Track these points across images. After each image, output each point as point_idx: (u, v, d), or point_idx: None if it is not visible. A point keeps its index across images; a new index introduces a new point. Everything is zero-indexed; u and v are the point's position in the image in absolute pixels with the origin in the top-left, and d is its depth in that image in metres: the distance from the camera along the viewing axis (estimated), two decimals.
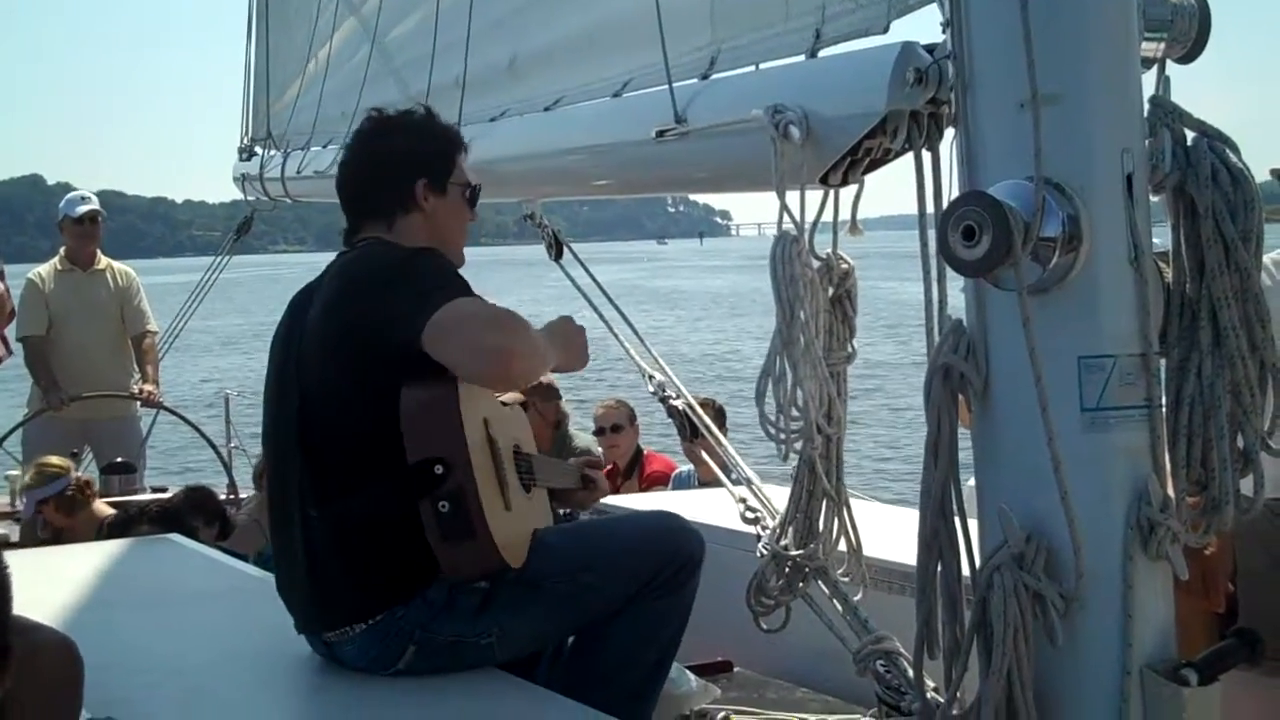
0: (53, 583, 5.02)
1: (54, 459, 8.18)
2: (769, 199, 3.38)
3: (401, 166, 4.14)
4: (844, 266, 3.65)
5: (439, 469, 3.67)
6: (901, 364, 31.77)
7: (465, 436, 3.69)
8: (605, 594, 4.01)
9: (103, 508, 7.94)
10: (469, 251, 4.31)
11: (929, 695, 3.12)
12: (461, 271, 4.02)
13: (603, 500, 5.64)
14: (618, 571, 4.02)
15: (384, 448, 3.71)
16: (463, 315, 3.70)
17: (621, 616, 4.01)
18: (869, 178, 3.45)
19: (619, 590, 4.00)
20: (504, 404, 4.22)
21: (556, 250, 6.10)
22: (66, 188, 11.05)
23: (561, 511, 4.61)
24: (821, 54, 3.73)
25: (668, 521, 4.22)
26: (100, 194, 10.77)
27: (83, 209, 10.34)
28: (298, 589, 3.99)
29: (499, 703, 3.82)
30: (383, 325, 3.74)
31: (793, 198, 3.36)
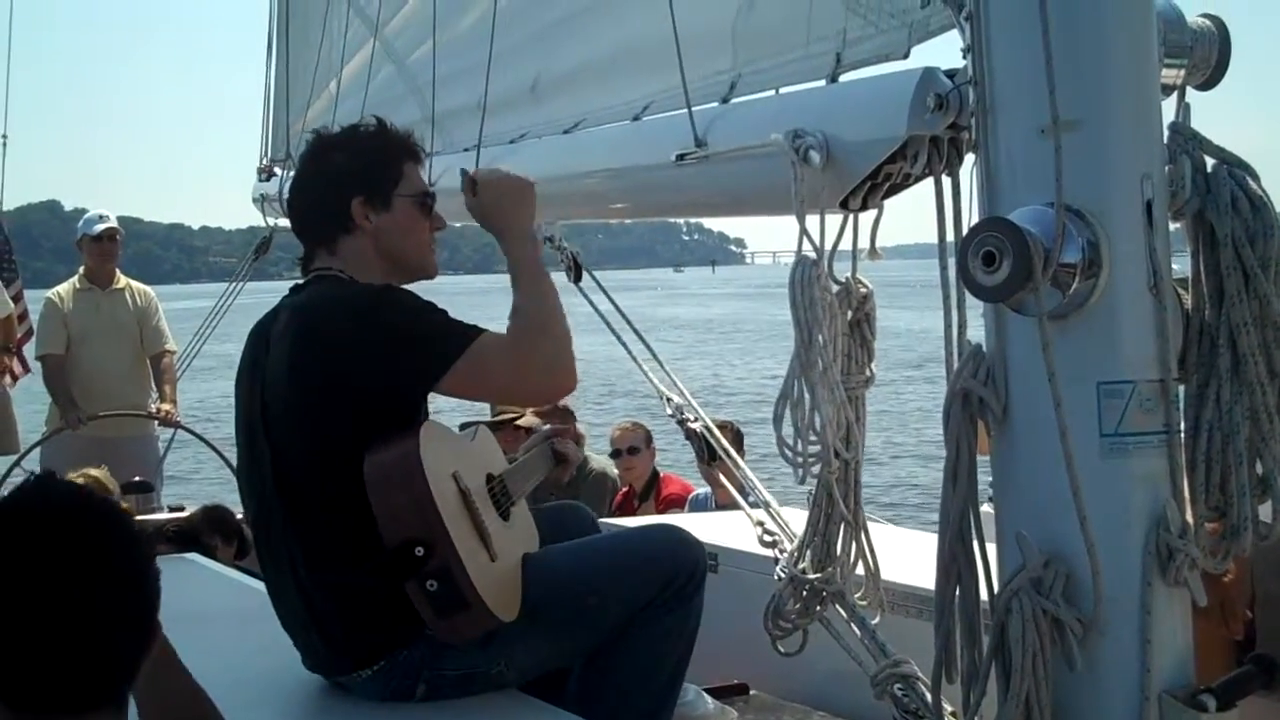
0: None
1: (99, 475, 8.10)
2: (784, 227, 3.39)
3: (334, 186, 4.02)
4: (863, 291, 3.66)
5: (419, 551, 3.60)
6: (917, 389, 31.76)
7: (439, 509, 3.62)
8: (611, 614, 3.97)
9: None
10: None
11: None
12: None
13: (620, 522, 5.64)
14: (621, 590, 3.97)
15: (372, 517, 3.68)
16: (508, 370, 3.80)
17: (631, 634, 3.97)
18: (888, 203, 3.46)
19: (625, 608, 3.97)
20: (461, 429, 4.21)
21: (576, 274, 6.11)
22: (83, 214, 11.09)
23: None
24: (842, 79, 3.74)
25: (669, 535, 4.18)
26: (117, 219, 10.81)
27: (101, 227, 10.38)
28: (299, 634, 3.98)
29: None
30: (377, 389, 3.73)
31: (812, 222, 3.37)
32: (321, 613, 3.84)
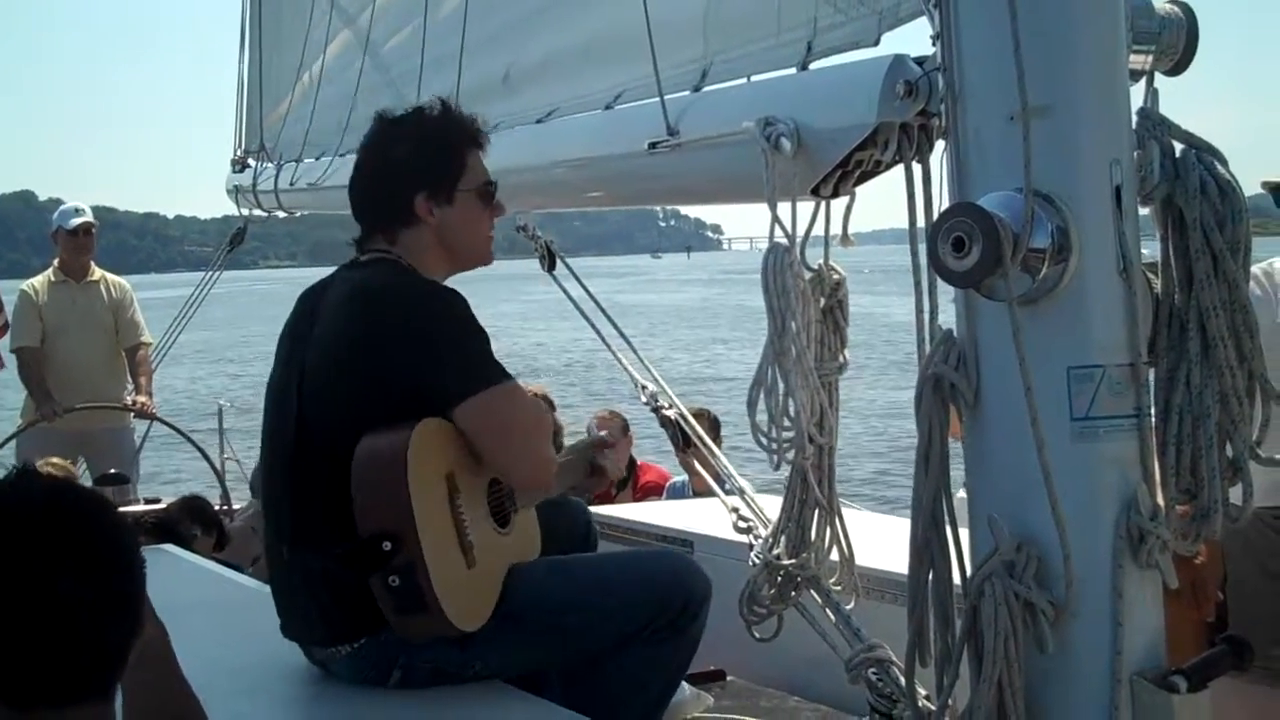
0: None
1: (56, 460, 8.11)
2: (760, 212, 3.40)
3: (398, 179, 4.04)
4: (835, 277, 3.67)
5: (387, 545, 3.62)
6: (888, 374, 31.80)
7: (414, 509, 3.64)
8: (593, 635, 3.97)
9: None
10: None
11: (921, 703, 3.14)
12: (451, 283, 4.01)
13: (598, 511, 5.64)
14: (607, 615, 3.98)
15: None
16: (515, 422, 3.88)
17: (619, 657, 3.98)
18: (859, 190, 3.47)
19: (609, 632, 3.97)
20: None
21: (549, 262, 6.12)
22: (58, 204, 11.05)
23: None
24: (812, 66, 3.75)
25: (669, 565, 4.19)
26: (91, 210, 10.78)
27: (77, 221, 10.35)
28: (287, 597, 4.01)
29: (505, 716, 3.82)
30: (405, 386, 3.75)
31: (784, 209, 3.37)
32: (311, 580, 3.87)
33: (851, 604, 3.86)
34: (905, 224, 3.11)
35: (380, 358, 3.76)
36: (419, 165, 4.05)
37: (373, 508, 3.67)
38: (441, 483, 3.76)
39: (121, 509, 8.38)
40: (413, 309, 3.83)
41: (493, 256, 4.24)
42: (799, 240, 3.43)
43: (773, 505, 4.15)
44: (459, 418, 3.80)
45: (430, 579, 3.63)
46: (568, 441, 9.56)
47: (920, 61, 3.12)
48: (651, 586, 4.02)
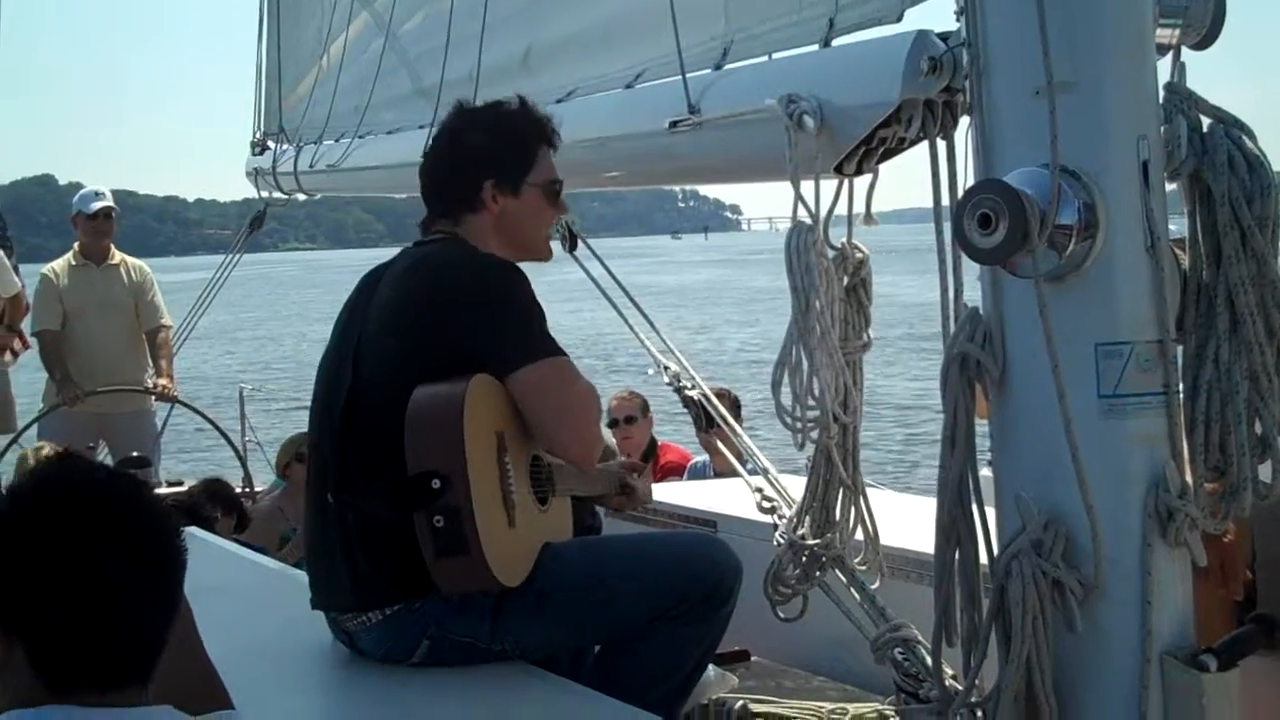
0: None
1: (44, 445, 8.11)
2: (781, 193, 3.40)
3: (469, 166, 4.10)
4: (859, 256, 3.66)
5: (436, 483, 3.65)
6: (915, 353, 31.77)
7: (466, 452, 3.66)
8: (620, 614, 3.96)
9: None
10: None
11: (947, 683, 3.13)
12: None
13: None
14: (635, 594, 3.95)
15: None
16: (568, 396, 3.91)
17: (646, 639, 3.96)
18: (883, 167, 3.45)
19: (636, 612, 3.95)
20: None
21: (571, 243, 6.11)
22: (78, 187, 11.03)
23: None
24: (835, 43, 3.74)
25: (701, 546, 4.17)
26: (112, 193, 10.78)
27: (97, 205, 10.34)
28: (324, 560, 4.01)
29: (527, 695, 3.81)
30: (462, 351, 3.78)
31: (807, 187, 3.36)
32: (350, 535, 3.87)
33: (877, 584, 3.85)
34: (926, 203, 3.10)
35: (438, 323, 3.82)
36: (491, 155, 4.12)
37: (426, 447, 3.69)
38: (492, 436, 3.78)
39: None
40: (473, 278, 3.89)
41: (551, 252, 4.33)
42: (822, 219, 3.42)
43: (796, 485, 4.13)
44: (512, 386, 3.84)
45: (475, 522, 3.64)
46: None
47: (944, 37, 3.10)
48: (684, 567, 4.01)
